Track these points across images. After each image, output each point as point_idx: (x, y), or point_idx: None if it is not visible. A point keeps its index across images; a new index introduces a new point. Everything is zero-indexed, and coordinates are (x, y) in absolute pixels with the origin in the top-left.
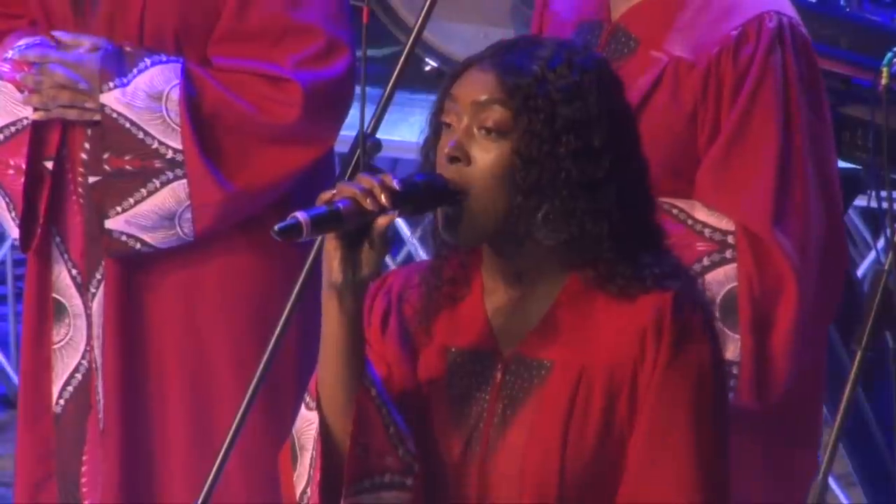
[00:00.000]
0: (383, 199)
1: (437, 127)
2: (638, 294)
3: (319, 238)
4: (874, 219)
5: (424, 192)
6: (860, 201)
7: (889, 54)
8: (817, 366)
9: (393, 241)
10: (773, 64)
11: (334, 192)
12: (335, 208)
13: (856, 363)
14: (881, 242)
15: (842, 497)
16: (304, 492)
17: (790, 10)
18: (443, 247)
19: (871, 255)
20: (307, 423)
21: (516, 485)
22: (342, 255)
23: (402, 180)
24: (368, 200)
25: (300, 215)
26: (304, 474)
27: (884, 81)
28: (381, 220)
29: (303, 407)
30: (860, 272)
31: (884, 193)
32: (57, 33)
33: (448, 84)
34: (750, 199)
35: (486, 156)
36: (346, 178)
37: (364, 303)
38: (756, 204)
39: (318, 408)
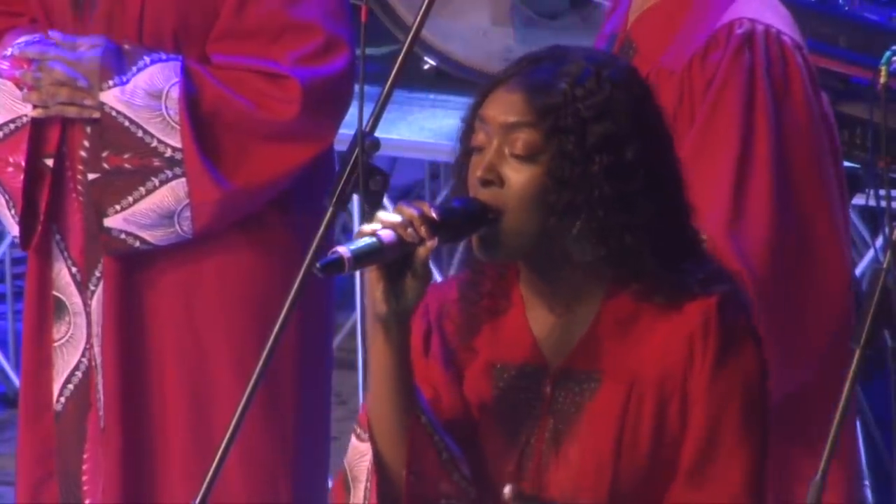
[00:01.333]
0: (423, 230)
1: (467, 147)
2: (684, 302)
3: (319, 234)
4: (873, 217)
5: (462, 217)
6: (859, 200)
7: (887, 53)
8: (827, 370)
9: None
10: (738, 68)
11: (374, 225)
12: (376, 241)
13: (854, 362)
14: (879, 241)
15: None
16: None
17: (773, 19)
18: (478, 260)
19: (870, 254)
20: (359, 454)
21: (571, 498)
22: (384, 286)
23: (440, 207)
24: (408, 231)
25: (342, 250)
26: None
27: (882, 80)
28: (422, 250)
29: (353, 438)
30: (859, 271)
31: (882, 192)
32: (52, 33)
33: (477, 103)
34: (706, 204)
35: (518, 177)
36: (345, 176)
37: (409, 331)
38: (712, 208)
39: (371, 439)
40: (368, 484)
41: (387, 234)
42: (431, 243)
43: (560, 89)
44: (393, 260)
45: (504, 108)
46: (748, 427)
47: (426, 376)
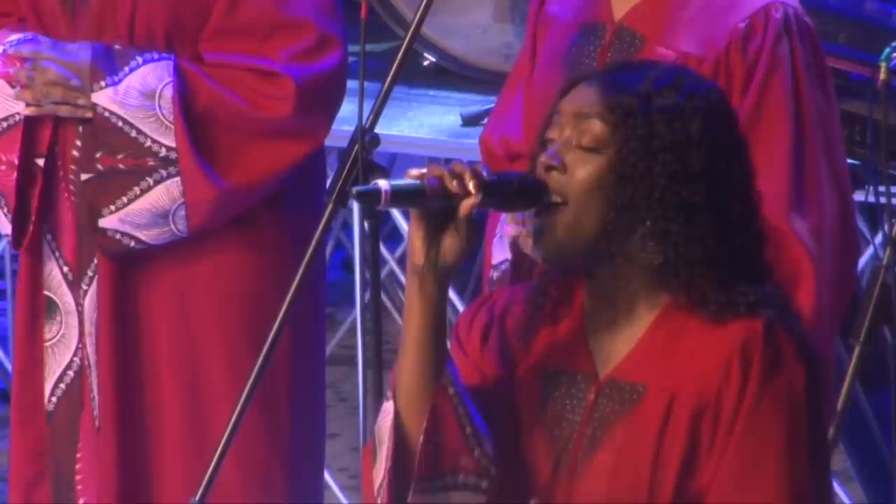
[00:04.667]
0: (470, 184)
1: (543, 140)
2: (729, 319)
3: (319, 231)
4: (872, 214)
5: (515, 187)
6: (858, 196)
7: (887, 49)
8: (826, 359)
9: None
10: (781, 55)
11: (422, 170)
12: (419, 183)
13: (854, 358)
14: (879, 238)
15: (841, 494)
16: (380, 486)
17: None
18: (538, 272)
19: (869, 251)
20: (385, 414)
21: None
22: (424, 235)
23: (496, 172)
24: (454, 182)
25: (382, 183)
26: (381, 468)
27: (882, 77)
28: (465, 204)
29: (384, 400)
30: (858, 267)
31: (882, 189)
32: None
33: (557, 98)
34: (765, 191)
35: (582, 168)
36: (345, 173)
37: (447, 293)
38: (772, 195)
39: (393, 397)
40: (389, 443)
41: (432, 181)
42: (476, 199)
43: (636, 88)
44: (435, 209)
45: (579, 99)
46: (794, 455)
47: (479, 366)
